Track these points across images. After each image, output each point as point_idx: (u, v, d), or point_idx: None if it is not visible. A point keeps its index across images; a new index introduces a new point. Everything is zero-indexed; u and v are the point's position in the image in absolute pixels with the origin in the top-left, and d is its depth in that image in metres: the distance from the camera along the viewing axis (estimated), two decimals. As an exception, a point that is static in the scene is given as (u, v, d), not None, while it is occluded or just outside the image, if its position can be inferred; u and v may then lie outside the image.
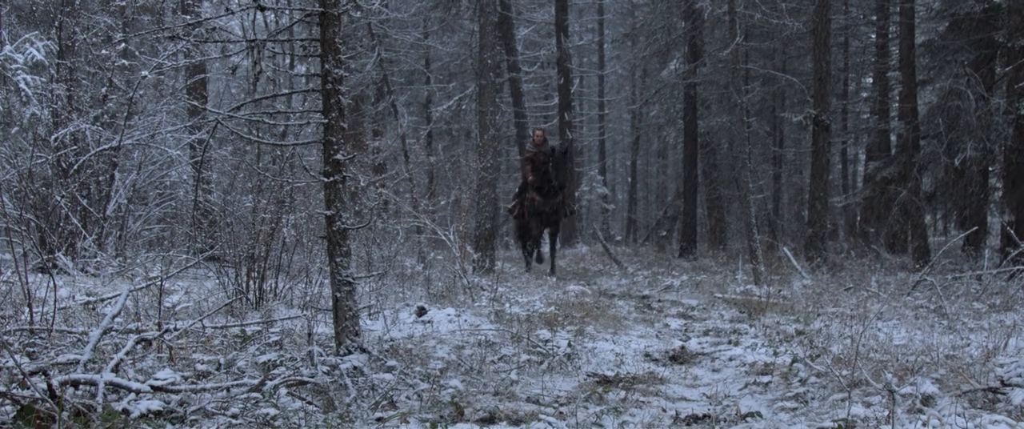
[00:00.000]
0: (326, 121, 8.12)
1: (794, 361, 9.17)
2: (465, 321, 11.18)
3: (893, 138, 26.76)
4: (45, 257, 13.98)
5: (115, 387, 6.85)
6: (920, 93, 24.95)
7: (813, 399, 7.83)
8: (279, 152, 12.27)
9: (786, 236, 27.25)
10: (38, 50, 12.52)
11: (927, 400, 7.09)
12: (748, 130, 23.32)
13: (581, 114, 43.87)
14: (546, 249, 22.74)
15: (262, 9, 8.02)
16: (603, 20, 42.66)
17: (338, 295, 8.38)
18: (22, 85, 12.39)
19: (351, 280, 8.38)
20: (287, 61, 9.37)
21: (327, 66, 8.03)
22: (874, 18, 28.86)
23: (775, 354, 10.06)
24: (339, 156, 8.13)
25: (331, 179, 8.18)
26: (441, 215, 19.30)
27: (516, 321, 11.55)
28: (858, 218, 28.90)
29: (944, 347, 9.05)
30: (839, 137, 30.74)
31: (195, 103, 17.01)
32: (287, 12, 8.58)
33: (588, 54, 46.14)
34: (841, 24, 29.51)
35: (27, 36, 12.89)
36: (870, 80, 32.49)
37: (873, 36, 30.42)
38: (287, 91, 9.59)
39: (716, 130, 28.24)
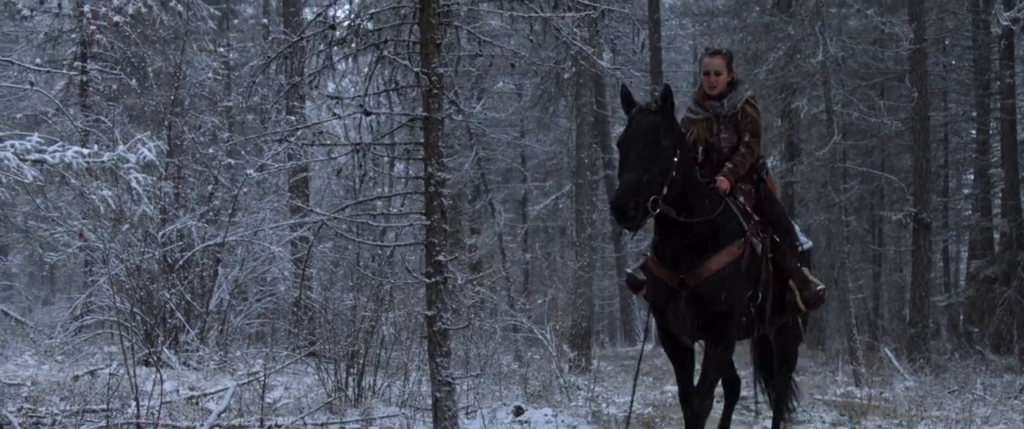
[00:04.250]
0: (428, 223, 8.29)
1: (899, 468, 8.98)
2: (562, 421, 11.15)
3: (996, 236, 26.25)
4: (150, 351, 14.30)
5: (220, 484, 6.97)
6: (1023, 189, 24.53)
7: (920, 508, 7.65)
8: (379, 251, 12.46)
9: (887, 336, 26.74)
10: (150, 150, 12.92)
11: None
12: (847, 228, 23.10)
13: (676, 211, 43.72)
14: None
15: (367, 114, 8.25)
16: (698, 117, 42.69)
17: (438, 395, 8.45)
18: (134, 184, 12.76)
19: (451, 380, 8.45)
20: (387, 161, 9.57)
21: (430, 169, 8.22)
22: (974, 114, 28.51)
23: (879, 460, 9.86)
24: (441, 257, 8.28)
25: (433, 280, 8.31)
26: (537, 313, 19.31)
27: (613, 422, 11.48)
28: (961, 318, 28.26)
29: (1055, 456, 8.81)
30: (940, 235, 30.24)
31: (298, 203, 17.36)
32: (392, 117, 8.81)
33: (683, 151, 46.13)
34: (940, 120, 29.21)
35: (139, 136, 13.31)
36: (971, 176, 31.99)
37: (974, 132, 30.00)
38: (391, 193, 9.81)
39: (814, 228, 27.95)
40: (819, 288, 8.41)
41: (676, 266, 7.67)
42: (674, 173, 7.22)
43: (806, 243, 9.06)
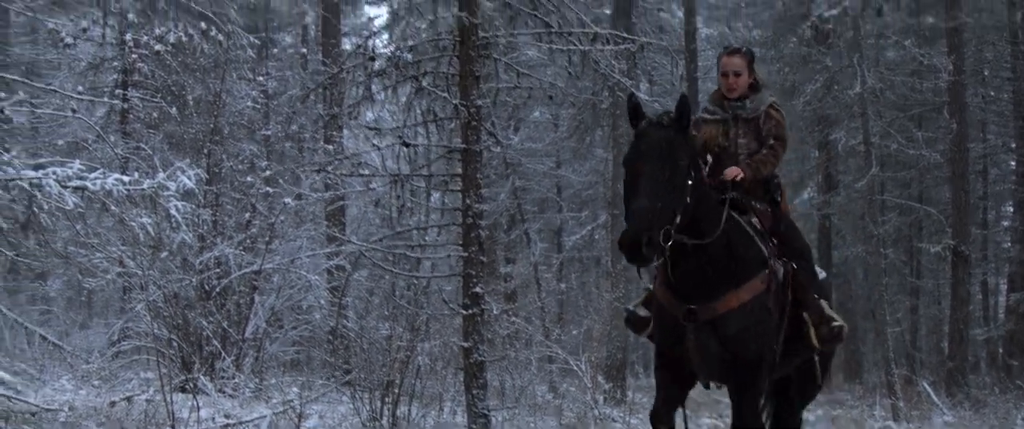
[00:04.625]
0: (466, 255, 8.31)
1: (939, 506, 8.87)
2: (597, 454, 11.10)
3: (1036, 269, 25.97)
4: (186, 377, 14.36)
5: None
6: (1064, 223, 24.31)
7: None
8: (415, 280, 12.48)
9: (925, 370, 26.45)
10: (189, 178, 13.04)
11: None
12: (884, 261, 22.95)
13: (711, 241, 43.52)
14: None
15: (406, 145, 8.30)
16: (734, 148, 42.56)
17: (473, 427, 8.44)
18: (173, 211, 12.89)
19: (487, 412, 8.44)
20: (425, 190, 9.61)
21: (468, 201, 8.25)
22: (1013, 145, 28.27)
23: (918, 497, 9.74)
24: (478, 289, 8.29)
25: (470, 311, 8.32)
26: (572, 344, 19.25)
27: (648, 455, 11.40)
28: (1001, 351, 27.94)
29: (1099, 496, 8.68)
30: (979, 267, 29.94)
31: (335, 234, 17.41)
32: (430, 147, 8.85)
33: (719, 181, 45.94)
34: (979, 152, 28.98)
35: (179, 164, 13.44)
36: (1011, 208, 31.66)
37: (1013, 163, 29.73)
38: (429, 225, 9.85)
39: (851, 260, 27.78)
40: (836, 324, 7.14)
41: (686, 295, 6.59)
42: (689, 198, 6.21)
43: (820, 273, 7.82)
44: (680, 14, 30.82)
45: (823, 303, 7.22)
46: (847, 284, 28.71)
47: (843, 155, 26.08)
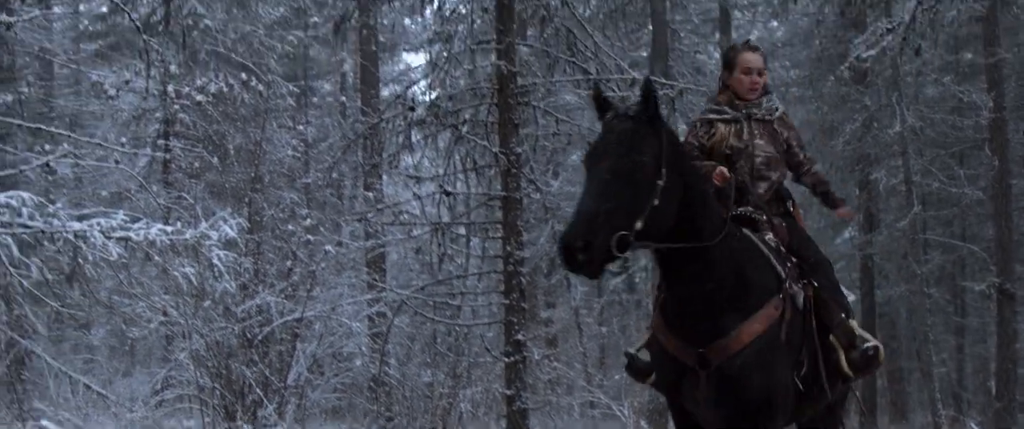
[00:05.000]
0: (507, 301, 8.32)
1: None
2: (642, 500, 11.02)
3: (1085, 307, 25.63)
4: (229, 426, 14.40)
5: None
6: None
7: None
8: (456, 327, 12.49)
9: (972, 410, 26.14)
10: (231, 227, 13.17)
11: None
12: (928, 300, 22.74)
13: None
14: None
15: (447, 194, 8.34)
16: (773, 188, 42.43)
17: (517, 475, 8.43)
18: (215, 260, 13.01)
19: (530, 460, 8.42)
20: (465, 238, 9.64)
21: (509, 248, 8.26)
22: (1057, 181, 28.01)
23: None
24: (520, 336, 8.29)
25: (512, 359, 8.32)
26: (614, 389, 19.16)
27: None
28: (1050, 390, 27.55)
29: None
30: (1025, 305, 29.63)
31: (376, 282, 17.46)
32: (470, 195, 8.89)
33: (758, 223, 45.75)
34: (1022, 188, 28.71)
35: (221, 214, 13.58)
36: (1056, 246, 31.30)
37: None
38: (469, 273, 9.88)
39: (894, 300, 27.52)
40: (869, 345, 5.98)
41: (692, 335, 5.52)
42: (657, 200, 5.07)
43: (849, 295, 6.64)
44: (716, 56, 30.85)
45: (852, 322, 6.15)
46: (891, 324, 28.43)
47: (884, 194, 25.90)
